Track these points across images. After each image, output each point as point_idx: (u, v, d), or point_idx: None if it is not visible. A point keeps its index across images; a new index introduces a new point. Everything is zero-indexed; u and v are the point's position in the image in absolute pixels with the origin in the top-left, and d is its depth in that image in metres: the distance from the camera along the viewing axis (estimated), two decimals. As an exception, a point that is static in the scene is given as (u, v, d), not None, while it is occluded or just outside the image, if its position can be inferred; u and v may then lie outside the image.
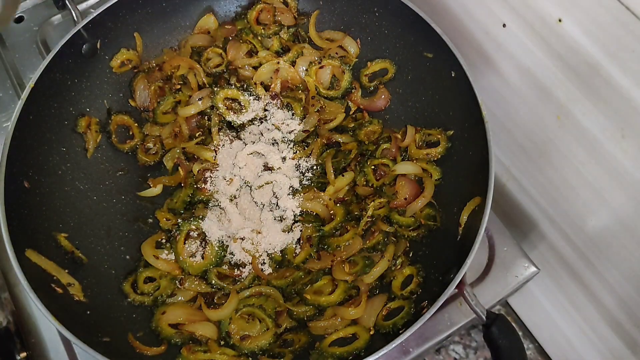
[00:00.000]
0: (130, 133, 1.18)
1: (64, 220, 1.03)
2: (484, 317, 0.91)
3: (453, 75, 1.04)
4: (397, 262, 1.03)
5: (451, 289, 0.85)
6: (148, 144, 1.18)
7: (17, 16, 1.41)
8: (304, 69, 1.20)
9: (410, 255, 1.05)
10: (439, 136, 1.10)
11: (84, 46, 1.11)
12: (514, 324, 0.96)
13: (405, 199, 1.07)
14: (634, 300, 0.98)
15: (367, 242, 1.06)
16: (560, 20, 0.90)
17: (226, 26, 1.25)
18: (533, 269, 1.11)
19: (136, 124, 1.18)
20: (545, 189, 1.12)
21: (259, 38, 1.24)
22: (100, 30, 1.13)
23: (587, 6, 0.84)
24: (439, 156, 1.10)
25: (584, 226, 1.04)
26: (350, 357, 0.92)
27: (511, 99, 1.10)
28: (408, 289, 0.98)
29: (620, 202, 0.94)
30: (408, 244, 1.05)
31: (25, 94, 1.00)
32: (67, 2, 1.25)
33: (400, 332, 0.84)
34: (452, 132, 1.08)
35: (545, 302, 1.21)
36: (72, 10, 1.23)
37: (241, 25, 1.25)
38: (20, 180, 0.97)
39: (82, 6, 1.40)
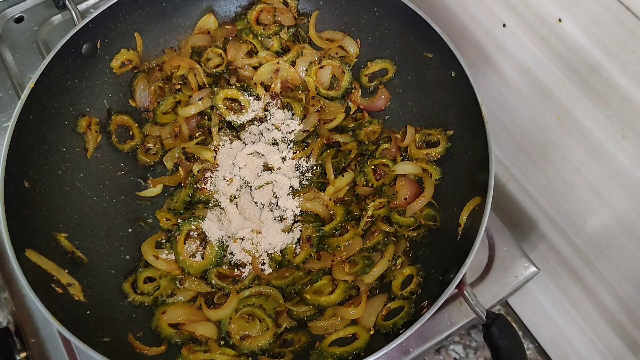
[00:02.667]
0: (131, 133, 1.18)
1: (64, 220, 1.03)
2: (483, 317, 0.91)
3: (453, 75, 1.04)
4: (397, 262, 1.03)
5: (451, 289, 0.85)
6: (148, 144, 1.18)
7: (17, 16, 1.41)
8: (304, 69, 1.20)
9: (410, 255, 1.05)
10: (439, 136, 1.10)
11: (84, 46, 1.11)
12: (514, 324, 0.96)
13: (405, 199, 1.07)
14: (634, 300, 0.98)
15: (367, 242, 1.06)
16: (560, 20, 0.90)
17: (226, 26, 1.25)
18: (533, 269, 1.11)
19: (136, 124, 1.18)
20: (545, 189, 1.12)
21: (259, 38, 1.23)
22: (100, 30, 1.13)
23: (587, 6, 0.84)
24: (439, 156, 1.10)
25: (584, 226, 1.04)
26: (350, 357, 0.92)
27: (511, 99, 1.10)
28: (408, 289, 0.98)
29: (620, 202, 0.94)
30: (408, 244, 1.05)
31: (25, 94, 1.00)
32: (67, 2, 1.25)
33: (400, 332, 0.84)
34: (452, 132, 1.08)
35: (545, 302, 1.21)
36: (72, 10, 1.23)
37: (241, 25, 1.25)
38: (20, 180, 0.97)
39: (82, 6, 1.40)
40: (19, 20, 1.40)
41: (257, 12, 1.24)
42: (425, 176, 1.09)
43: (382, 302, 0.98)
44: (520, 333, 0.95)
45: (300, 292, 1.02)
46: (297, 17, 1.26)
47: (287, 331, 1.00)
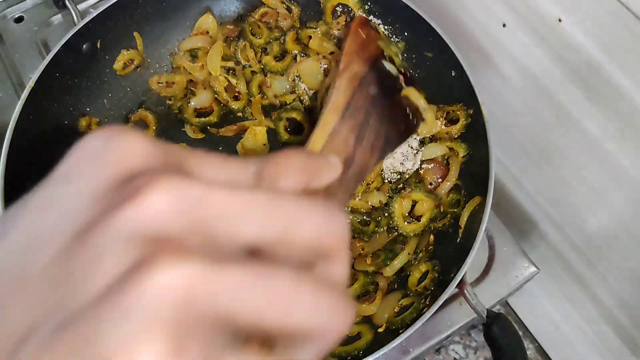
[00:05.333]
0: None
1: (64, 220, 1.02)
2: (484, 317, 0.91)
3: (453, 74, 1.04)
4: (419, 256, 1.02)
5: (451, 289, 0.85)
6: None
7: (17, 16, 1.41)
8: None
9: (430, 250, 1.03)
10: (459, 112, 1.05)
11: (84, 46, 1.11)
12: (514, 324, 0.96)
13: (431, 184, 1.04)
14: (634, 300, 0.98)
15: (390, 236, 1.05)
16: (560, 20, 0.90)
17: (227, 26, 1.25)
18: (533, 269, 1.10)
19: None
20: (545, 189, 1.12)
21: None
22: (100, 30, 1.13)
23: (587, 6, 0.84)
24: (459, 133, 1.06)
25: (584, 226, 1.04)
26: (349, 358, 0.93)
27: (511, 99, 1.10)
28: (422, 285, 0.97)
29: (620, 202, 0.94)
30: (433, 238, 1.03)
31: (25, 94, 1.00)
32: (67, 2, 1.25)
33: (401, 331, 0.84)
34: (472, 111, 1.03)
35: (545, 302, 1.21)
36: (72, 10, 1.23)
37: (241, 27, 1.25)
38: (20, 180, 0.97)
39: (82, 6, 1.40)
40: (19, 20, 1.40)
41: (260, 15, 1.23)
42: (451, 155, 1.05)
43: (397, 300, 0.98)
44: (520, 333, 0.95)
45: None
46: (298, 24, 1.25)
47: None
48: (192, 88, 1.21)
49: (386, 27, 1.17)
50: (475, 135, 0.99)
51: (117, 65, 1.17)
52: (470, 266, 0.86)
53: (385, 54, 0.87)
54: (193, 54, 1.22)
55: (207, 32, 1.25)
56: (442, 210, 1.04)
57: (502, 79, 1.10)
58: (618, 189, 0.93)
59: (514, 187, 1.20)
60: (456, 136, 1.06)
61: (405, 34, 1.15)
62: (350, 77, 0.73)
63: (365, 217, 1.06)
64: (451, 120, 1.08)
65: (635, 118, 0.84)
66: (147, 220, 0.27)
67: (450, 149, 1.06)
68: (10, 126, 0.97)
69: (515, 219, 1.22)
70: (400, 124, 0.86)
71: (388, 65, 0.87)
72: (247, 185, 0.33)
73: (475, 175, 0.98)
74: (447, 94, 1.08)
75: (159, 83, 1.19)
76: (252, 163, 0.35)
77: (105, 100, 1.17)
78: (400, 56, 0.88)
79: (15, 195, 0.94)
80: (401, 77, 0.89)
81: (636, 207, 0.91)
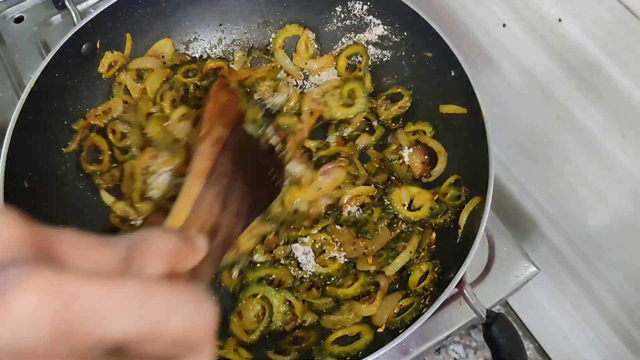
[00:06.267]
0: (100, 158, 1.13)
1: (64, 220, 1.02)
2: (484, 316, 0.91)
3: (453, 74, 1.04)
4: (421, 254, 1.02)
5: (451, 289, 0.85)
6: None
7: (17, 16, 1.41)
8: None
9: (432, 249, 1.03)
10: (399, 90, 1.15)
11: (83, 46, 1.11)
12: (513, 324, 0.96)
13: (423, 163, 1.09)
14: (634, 300, 0.98)
15: (392, 233, 1.05)
16: (560, 20, 0.90)
17: (186, 56, 1.22)
18: (533, 269, 1.10)
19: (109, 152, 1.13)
20: (545, 189, 1.12)
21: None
22: (100, 30, 1.13)
23: (587, 6, 0.84)
24: (407, 108, 1.14)
25: (584, 226, 1.04)
26: (348, 358, 0.93)
27: (511, 99, 1.10)
28: (422, 285, 0.97)
29: (620, 202, 0.94)
30: (434, 234, 1.03)
31: (25, 94, 0.99)
32: (66, 2, 1.25)
33: (400, 331, 0.84)
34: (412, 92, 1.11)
35: (545, 302, 1.21)
36: (72, 10, 1.22)
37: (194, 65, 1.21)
38: (20, 180, 0.97)
39: (82, 6, 1.40)
40: (19, 20, 1.41)
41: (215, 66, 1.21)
42: (420, 137, 1.11)
43: (397, 300, 0.98)
44: (520, 333, 0.95)
45: (324, 285, 1.02)
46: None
47: (301, 328, 0.99)
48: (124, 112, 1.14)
49: (386, 27, 1.18)
50: (475, 135, 0.99)
51: (102, 68, 1.15)
52: (470, 266, 0.86)
53: (246, 116, 0.85)
54: (140, 75, 1.18)
55: (163, 57, 1.20)
56: (441, 202, 1.04)
57: (502, 79, 1.10)
58: (618, 188, 0.93)
59: (514, 187, 1.20)
60: (404, 113, 1.14)
61: (405, 34, 1.16)
62: (212, 142, 0.69)
63: (361, 211, 1.07)
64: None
65: (635, 118, 0.84)
66: (11, 332, 0.24)
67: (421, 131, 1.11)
68: (10, 126, 0.97)
69: (515, 219, 1.22)
70: (264, 187, 0.84)
71: (249, 127, 0.84)
72: (115, 272, 0.32)
73: (475, 175, 0.98)
74: (447, 94, 1.09)
75: (96, 115, 1.13)
76: (120, 247, 0.34)
77: (105, 101, 1.17)
78: (260, 117, 0.87)
79: (15, 195, 0.94)
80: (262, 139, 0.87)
81: (636, 207, 0.91)
